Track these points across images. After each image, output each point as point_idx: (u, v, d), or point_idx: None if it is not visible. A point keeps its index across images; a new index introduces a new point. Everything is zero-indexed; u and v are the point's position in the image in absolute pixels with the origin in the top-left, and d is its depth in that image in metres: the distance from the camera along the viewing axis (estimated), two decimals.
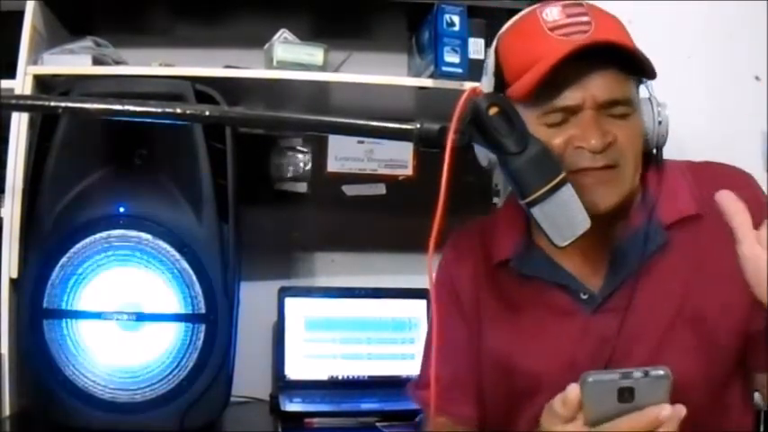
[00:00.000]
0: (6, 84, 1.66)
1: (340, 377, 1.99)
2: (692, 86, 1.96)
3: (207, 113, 1.05)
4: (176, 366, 1.55)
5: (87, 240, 1.54)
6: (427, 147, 0.96)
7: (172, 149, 1.58)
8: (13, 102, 1.22)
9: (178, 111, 0.99)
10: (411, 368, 1.95)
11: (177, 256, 1.55)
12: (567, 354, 1.18)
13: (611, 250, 1.19)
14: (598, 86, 1.09)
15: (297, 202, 2.15)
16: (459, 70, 1.81)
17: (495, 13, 1.86)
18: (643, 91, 1.18)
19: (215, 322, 1.56)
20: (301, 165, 2.14)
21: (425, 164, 2.13)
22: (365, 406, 1.84)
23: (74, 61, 1.74)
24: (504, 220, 1.28)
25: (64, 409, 1.53)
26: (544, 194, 0.98)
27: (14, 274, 1.62)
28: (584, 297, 1.18)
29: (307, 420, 1.74)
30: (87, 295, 1.55)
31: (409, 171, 2.19)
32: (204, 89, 1.59)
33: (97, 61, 1.76)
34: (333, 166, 2.16)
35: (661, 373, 0.94)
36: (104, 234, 1.54)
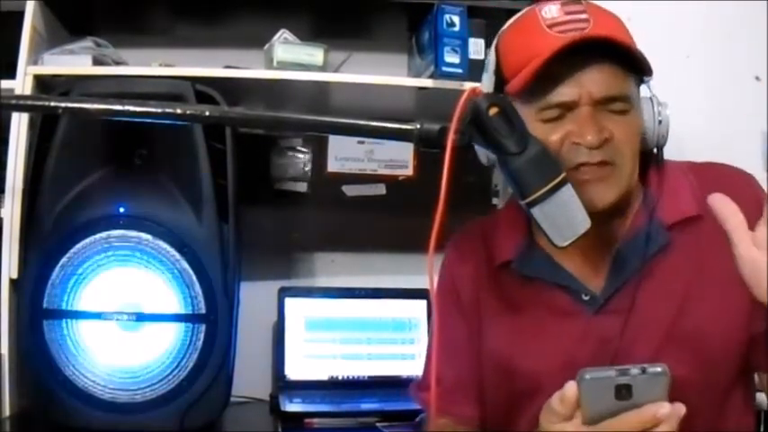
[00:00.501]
0: (6, 84, 1.65)
1: (340, 377, 1.99)
2: (691, 86, 1.96)
3: (207, 114, 1.05)
4: (176, 366, 1.55)
5: (87, 240, 1.54)
6: (427, 147, 0.96)
7: (172, 150, 1.58)
8: (14, 102, 1.22)
9: (178, 111, 0.99)
10: (411, 368, 1.95)
11: (177, 256, 1.55)
12: (569, 354, 1.17)
13: (612, 251, 1.18)
14: (594, 82, 1.09)
15: (297, 202, 2.15)
16: (460, 70, 1.81)
17: (495, 14, 1.86)
18: (644, 90, 1.18)
19: (215, 322, 1.56)
20: (301, 165, 2.13)
21: (425, 164, 2.13)
22: (365, 406, 1.84)
23: (74, 61, 1.74)
24: (506, 221, 1.28)
25: (64, 409, 1.53)
26: (544, 195, 0.98)
27: (14, 275, 1.62)
28: (586, 298, 1.18)
29: (307, 420, 1.74)
30: (87, 295, 1.55)
31: (409, 171, 2.19)
32: (204, 89, 1.59)
33: (97, 61, 1.76)
34: (333, 166, 2.16)
35: (659, 370, 0.94)
36: (104, 234, 1.54)
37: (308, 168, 2.14)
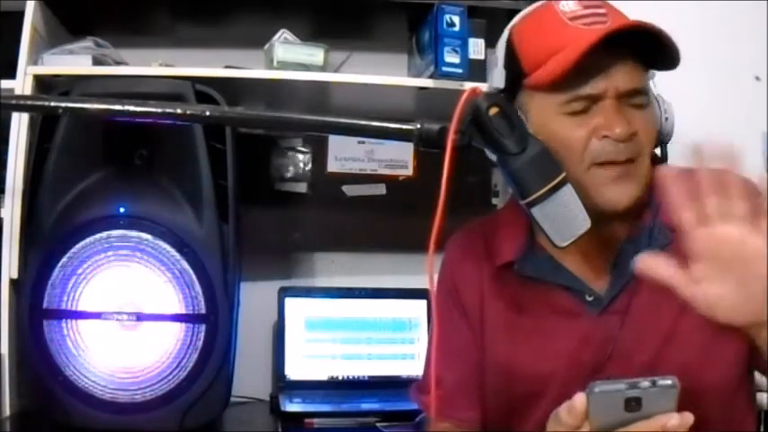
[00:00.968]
0: (6, 84, 1.66)
1: (340, 377, 1.99)
2: (692, 86, 1.96)
3: (207, 114, 1.05)
4: (176, 366, 1.55)
5: (87, 241, 1.54)
6: (427, 147, 0.96)
7: (172, 150, 1.58)
8: (14, 102, 1.22)
9: (178, 111, 0.99)
10: (411, 368, 1.96)
11: (177, 256, 1.55)
12: (572, 356, 1.17)
13: (614, 251, 1.18)
14: (621, 75, 1.09)
15: (297, 202, 2.15)
16: (460, 70, 1.81)
17: (496, 14, 1.87)
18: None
19: (215, 322, 1.56)
20: (301, 165, 2.14)
21: (426, 164, 2.13)
22: (365, 406, 1.84)
23: (74, 61, 1.74)
24: (506, 222, 1.27)
25: (64, 409, 1.53)
26: (544, 195, 0.98)
27: (14, 275, 1.62)
28: (590, 299, 1.18)
29: (307, 420, 1.74)
30: (87, 295, 1.55)
31: (409, 171, 2.19)
32: (204, 89, 1.59)
33: (97, 61, 1.76)
34: (333, 166, 2.16)
35: (669, 382, 0.94)
36: (104, 234, 1.54)
37: (308, 168, 2.14)
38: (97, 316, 1.55)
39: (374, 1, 1.89)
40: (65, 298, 1.54)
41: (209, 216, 1.58)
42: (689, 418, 0.94)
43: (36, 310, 1.53)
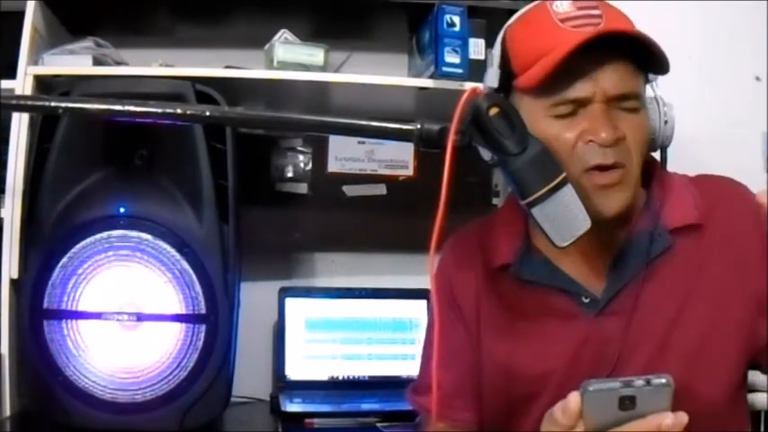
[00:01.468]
0: (7, 84, 1.66)
1: (340, 377, 1.99)
2: (692, 86, 1.96)
3: (207, 114, 1.05)
4: (177, 367, 1.55)
5: (88, 241, 1.54)
6: (428, 147, 0.96)
7: (172, 150, 1.58)
8: (14, 102, 1.22)
9: (178, 111, 0.99)
10: (411, 368, 1.93)
11: (178, 256, 1.55)
12: (569, 357, 1.17)
13: (612, 253, 1.18)
14: (609, 79, 1.08)
15: (297, 202, 2.15)
16: (460, 71, 1.81)
17: (496, 14, 1.86)
18: (648, 90, 1.18)
19: (215, 323, 1.56)
20: (302, 165, 2.14)
21: (426, 164, 2.13)
22: (365, 406, 1.84)
23: (74, 62, 1.74)
24: (503, 224, 1.27)
25: (64, 409, 1.53)
26: (544, 195, 0.98)
27: (15, 275, 1.62)
28: (587, 301, 1.17)
29: (307, 421, 1.74)
30: (88, 296, 1.55)
31: (410, 171, 2.19)
32: (204, 89, 1.59)
33: (98, 62, 1.76)
34: (333, 166, 2.16)
35: (663, 381, 0.93)
36: (105, 234, 1.54)
37: (308, 169, 2.14)
38: (97, 316, 1.55)
39: (374, 1, 1.89)
40: (65, 298, 1.54)
41: (210, 216, 1.58)
42: (683, 417, 0.94)
43: (36, 310, 1.53)
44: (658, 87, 1.18)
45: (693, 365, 1.12)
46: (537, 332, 1.20)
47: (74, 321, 1.54)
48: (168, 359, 1.55)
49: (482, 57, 1.85)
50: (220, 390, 1.59)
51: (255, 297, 1.90)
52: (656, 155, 1.23)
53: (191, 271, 1.55)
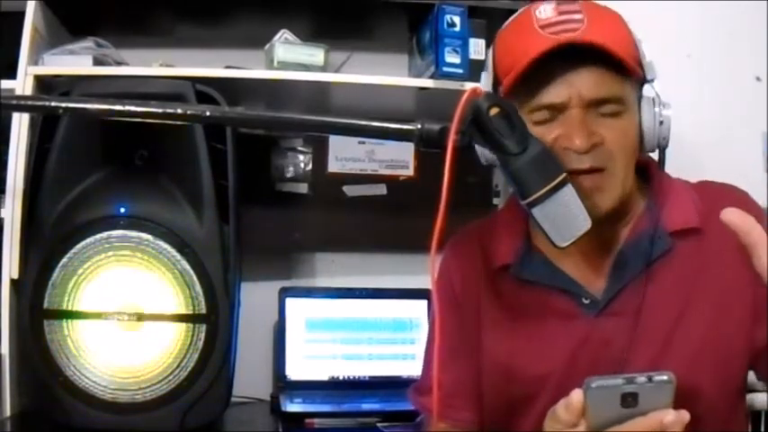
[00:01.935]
0: (7, 84, 1.66)
1: (341, 377, 1.99)
2: (692, 86, 1.96)
3: (207, 114, 1.05)
4: (177, 367, 1.55)
5: (88, 241, 1.54)
6: (428, 147, 0.96)
7: (172, 150, 1.58)
8: (14, 102, 1.22)
9: (179, 111, 0.99)
10: (412, 368, 1.95)
11: (178, 256, 1.55)
12: (569, 358, 1.17)
13: (613, 254, 1.18)
14: (585, 84, 1.08)
15: (297, 202, 2.15)
16: (460, 71, 1.81)
17: (496, 14, 1.86)
18: (648, 90, 1.17)
19: (216, 323, 1.56)
20: (302, 165, 2.14)
21: (426, 164, 2.13)
22: (366, 406, 1.84)
23: (74, 62, 1.74)
24: (503, 224, 1.27)
25: (64, 409, 1.53)
26: (545, 195, 0.98)
27: (15, 275, 1.62)
28: (587, 301, 1.18)
29: (307, 421, 1.74)
30: (88, 296, 1.55)
31: (410, 171, 2.19)
32: (205, 89, 1.59)
33: (98, 62, 1.76)
34: (333, 166, 2.16)
35: (665, 378, 0.94)
36: (105, 234, 1.54)
37: (308, 169, 2.14)
38: (98, 316, 1.55)
39: (374, 1, 1.89)
40: (65, 298, 1.54)
41: (210, 216, 1.58)
42: (685, 415, 0.94)
43: (36, 311, 1.53)
44: (657, 87, 1.18)
45: (694, 367, 1.12)
46: (537, 332, 1.21)
47: (74, 321, 1.54)
48: (168, 359, 1.55)
49: (482, 57, 1.85)
50: (221, 390, 1.59)
51: (256, 297, 1.90)
52: (655, 155, 1.23)
53: (191, 271, 1.55)
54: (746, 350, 1.14)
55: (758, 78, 2.13)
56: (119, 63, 1.84)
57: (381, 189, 2.18)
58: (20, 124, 1.67)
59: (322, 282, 2.17)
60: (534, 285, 1.21)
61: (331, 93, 1.97)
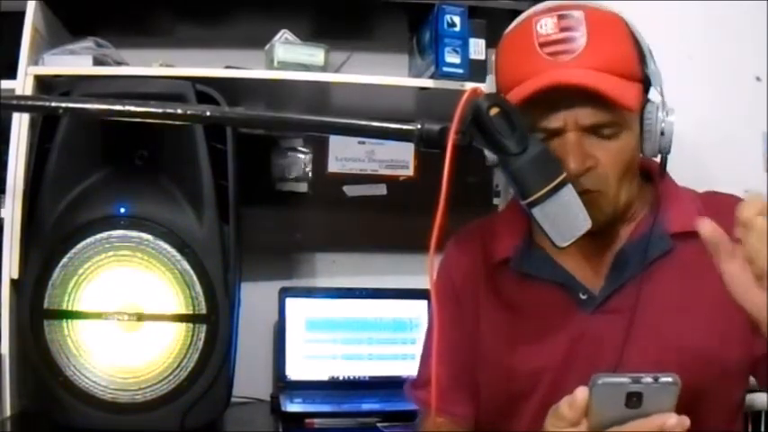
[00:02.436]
0: (7, 84, 1.66)
1: (341, 378, 1.99)
2: (692, 87, 1.96)
3: (208, 114, 1.05)
4: (177, 367, 1.55)
5: (88, 241, 1.54)
6: (428, 147, 0.96)
7: (173, 150, 1.58)
8: (14, 102, 1.22)
9: (179, 111, 0.99)
10: (412, 368, 1.92)
11: (178, 256, 1.55)
12: (565, 354, 1.18)
13: (613, 253, 1.19)
14: (582, 111, 1.09)
15: (298, 202, 2.15)
16: (460, 71, 1.81)
17: (496, 14, 1.87)
18: (655, 95, 1.17)
19: (216, 323, 1.56)
20: (302, 165, 2.14)
21: (426, 164, 2.13)
22: (366, 406, 1.84)
23: (75, 62, 1.74)
24: (505, 222, 1.28)
25: (65, 409, 1.53)
26: (545, 195, 0.98)
27: (15, 275, 1.62)
28: (584, 297, 1.18)
29: (307, 421, 1.74)
30: (88, 296, 1.55)
31: (410, 172, 2.19)
32: (205, 89, 1.59)
33: (98, 62, 1.76)
34: (334, 166, 2.16)
35: (670, 380, 0.94)
36: (105, 235, 1.54)
37: (308, 169, 2.14)
38: (98, 316, 1.55)
39: (374, 1, 1.89)
40: (65, 298, 1.54)
41: (210, 216, 1.58)
42: (686, 421, 0.94)
43: (37, 311, 1.53)
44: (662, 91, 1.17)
45: (691, 368, 1.11)
46: (533, 328, 1.21)
47: (74, 321, 1.54)
48: (169, 359, 1.55)
49: (482, 57, 1.85)
50: (221, 390, 1.59)
51: (256, 297, 1.90)
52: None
53: (191, 271, 1.55)
54: (745, 358, 1.14)
55: (758, 78, 2.12)
56: (119, 63, 1.84)
57: (381, 189, 2.18)
58: (20, 124, 1.67)
59: (322, 282, 2.17)
60: (533, 280, 1.22)
61: (331, 93, 1.97)
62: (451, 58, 1.81)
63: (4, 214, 1.66)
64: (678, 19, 2.04)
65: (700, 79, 2.02)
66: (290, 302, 2.01)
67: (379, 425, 1.72)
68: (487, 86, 1.19)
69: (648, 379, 0.93)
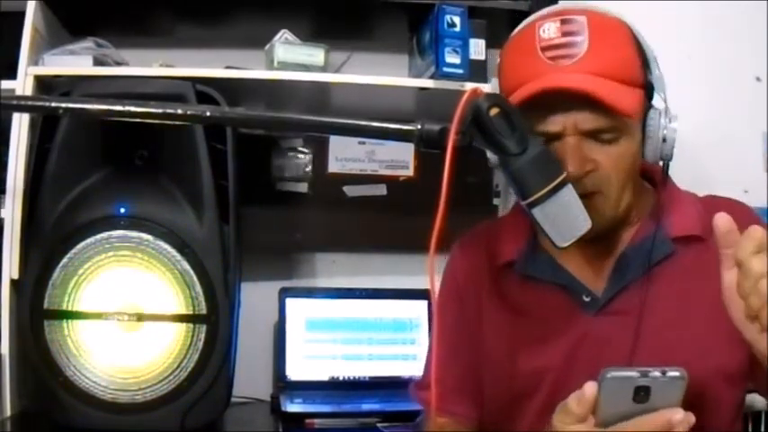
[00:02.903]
0: (7, 84, 1.66)
1: (341, 378, 1.99)
2: (692, 87, 1.96)
3: (208, 114, 1.05)
4: (177, 367, 1.55)
5: (88, 241, 1.54)
6: (428, 147, 0.96)
7: (173, 150, 1.58)
8: (14, 102, 1.22)
9: (179, 111, 0.99)
10: (412, 369, 1.96)
11: (178, 256, 1.55)
12: (567, 355, 1.18)
13: (616, 255, 1.19)
14: (582, 115, 1.09)
15: (298, 202, 2.15)
16: (460, 71, 1.81)
17: (496, 14, 1.87)
18: (659, 101, 1.17)
19: (216, 323, 1.56)
20: (302, 165, 2.13)
21: (426, 165, 2.12)
22: (366, 407, 1.84)
23: (75, 62, 1.74)
24: (510, 224, 1.29)
25: (65, 409, 1.53)
26: (545, 195, 0.98)
27: (15, 275, 1.62)
28: (587, 299, 1.19)
29: (307, 421, 1.74)
30: (88, 296, 1.55)
31: (410, 172, 2.19)
32: (205, 90, 1.59)
33: (98, 62, 1.76)
34: (334, 166, 2.16)
35: (677, 374, 0.94)
36: (105, 235, 1.54)
37: (308, 169, 2.14)
38: (98, 317, 1.55)
39: (375, 1, 1.89)
40: (65, 298, 1.54)
41: (210, 216, 1.58)
42: (691, 417, 0.95)
43: (37, 311, 1.53)
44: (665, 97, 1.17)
45: (692, 370, 1.11)
46: (537, 329, 1.22)
47: (74, 322, 1.54)
48: (169, 359, 1.55)
49: (482, 57, 1.85)
50: (221, 390, 1.59)
51: (256, 297, 1.90)
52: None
53: (191, 271, 1.55)
54: (745, 360, 1.14)
55: (758, 78, 2.13)
56: (119, 63, 1.84)
57: (381, 189, 2.18)
58: (20, 124, 1.67)
59: (322, 282, 2.17)
60: (536, 282, 1.22)
61: (331, 93, 1.97)
62: (451, 58, 1.81)
63: (4, 214, 1.66)
64: (677, 19, 2.04)
65: (699, 79, 2.02)
66: (290, 302, 2.01)
67: (379, 425, 1.72)
68: (488, 87, 1.20)
69: (656, 373, 0.94)
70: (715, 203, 1.21)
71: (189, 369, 1.55)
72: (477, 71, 1.83)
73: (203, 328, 1.56)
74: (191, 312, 1.56)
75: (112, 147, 1.58)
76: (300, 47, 1.86)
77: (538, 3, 1.63)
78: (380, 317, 2.04)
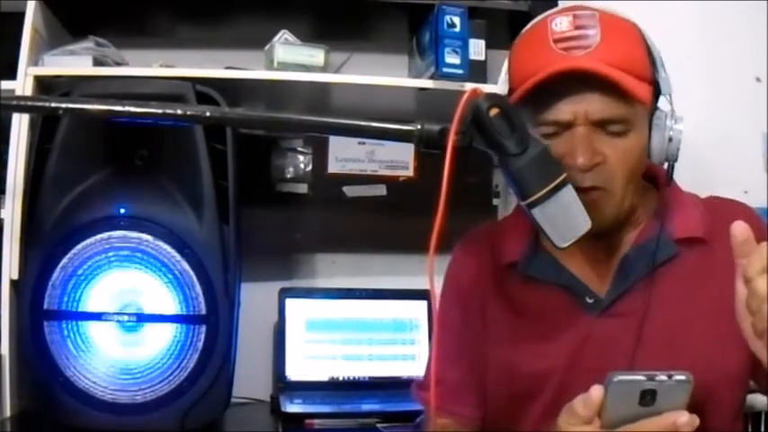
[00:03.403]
0: (7, 85, 1.66)
1: (341, 378, 1.99)
2: (692, 87, 1.96)
3: (207, 114, 1.05)
4: (177, 367, 1.55)
5: (88, 241, 1.54)
6: (428, 148, 0.96)
7: (172, 150, 1.58)
8: (14, 103, 1.22)
9: (179, 112, 0.99)
10: (412, 369, 1.96)
11: (178, 257, 1.55)
12: (571, 356, 1.18)
13: (619, 257, 1.19)
14: (592, 104, 1.09)
15: (297, 203, 2.15)
16: (460, 71, 1.81)
17: (496, 14, 1.87)
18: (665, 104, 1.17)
19: (216, 323, 1.56)
20: (302, 166, 2.14)
21: (426, 165, 2.12)
22: (366, 407, 1.84)
23: (74, 62, 1.74)
24: (513, 225, 1.28)
25: (64, 410, 1.53)
26: (545, 195, 0.98)
27: (15, 276, 1.63)
28: (590, 301, 1.18)
29: (307, 421, 1.74)
30: (88, 296, 1.55)
31: (410, 172, 2.19)
32: (205, 90, 1.59)
33: (98, 62, 1.77)
34: (333, 167, 2.16)
35: (683, 378, 0.94)
36: (105, 235, 1.54)
37: (308, 169, 2.14)
38: (98, 317, 1.55)
39: (374, 2, 1.89)
40: (65, 299, 1.54)
41: (210, 217, 1.58)
42: (696, 420, 0.95)
43: (36, 311, 1.53)
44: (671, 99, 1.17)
45: (699, 373, 1.12)
46: (540, 330, 1.21)
47: (74, 322, 1.54)
48: (168, 360, 1.55)
49: (482, 57, 1.86)
50: (221, 390, 1.59)
51: (256, 297, 1.90)
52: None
53: (191, 272, 1.55)
54: (747, 362, 1.14)
55: (758, 79, 2.13)
56: (119, 63, 1.84)
57: (381, 190, 2.18)
58: (20, 124, 1.67)
59: (322, 282, 2.17)
60: (539, 283, 1.22)
61: (331, 93, 1.97)
62: (451, 58, 1.81)
63: (4, 214, 1.66)
64: (676, 19, 2.04)
65: (699, 79, 2.02)
66: (290, 303, 2.01)
67: (378, 425, 1.72)
68: (499, 89, 1.19)
69: (663, 377, 0.94)
70: (717, 205, 1.21)
71: (188, 369, 1.55)
72: (476, 71, 1.83)
73: (203, 328, 1.56)
74: (190, 313, 1.56)
75: (112, 147, 1.57)
76: (300, 47, 1.86)
77: (538, 3, 1.64)
78: (380, 317, 2.04)
